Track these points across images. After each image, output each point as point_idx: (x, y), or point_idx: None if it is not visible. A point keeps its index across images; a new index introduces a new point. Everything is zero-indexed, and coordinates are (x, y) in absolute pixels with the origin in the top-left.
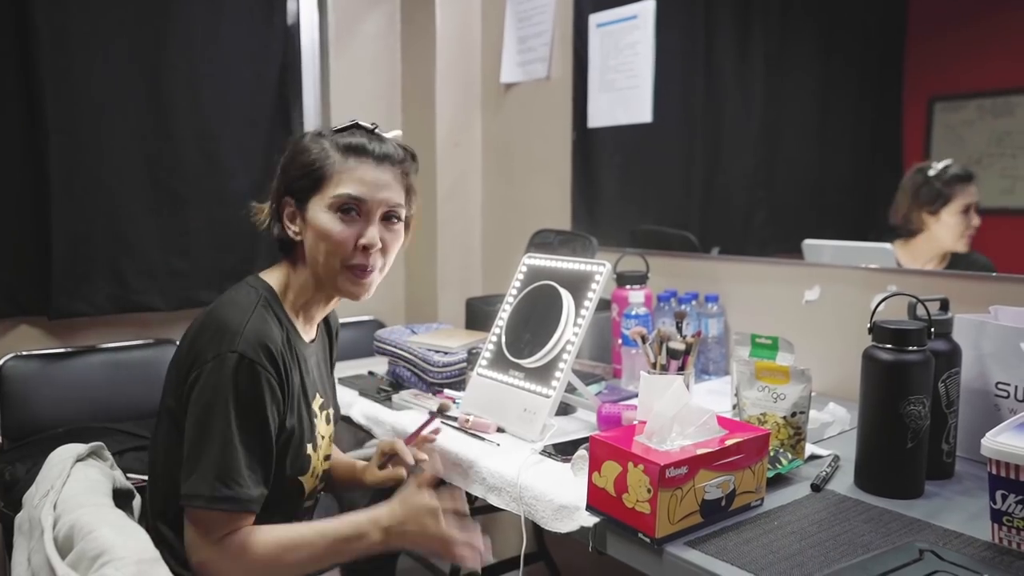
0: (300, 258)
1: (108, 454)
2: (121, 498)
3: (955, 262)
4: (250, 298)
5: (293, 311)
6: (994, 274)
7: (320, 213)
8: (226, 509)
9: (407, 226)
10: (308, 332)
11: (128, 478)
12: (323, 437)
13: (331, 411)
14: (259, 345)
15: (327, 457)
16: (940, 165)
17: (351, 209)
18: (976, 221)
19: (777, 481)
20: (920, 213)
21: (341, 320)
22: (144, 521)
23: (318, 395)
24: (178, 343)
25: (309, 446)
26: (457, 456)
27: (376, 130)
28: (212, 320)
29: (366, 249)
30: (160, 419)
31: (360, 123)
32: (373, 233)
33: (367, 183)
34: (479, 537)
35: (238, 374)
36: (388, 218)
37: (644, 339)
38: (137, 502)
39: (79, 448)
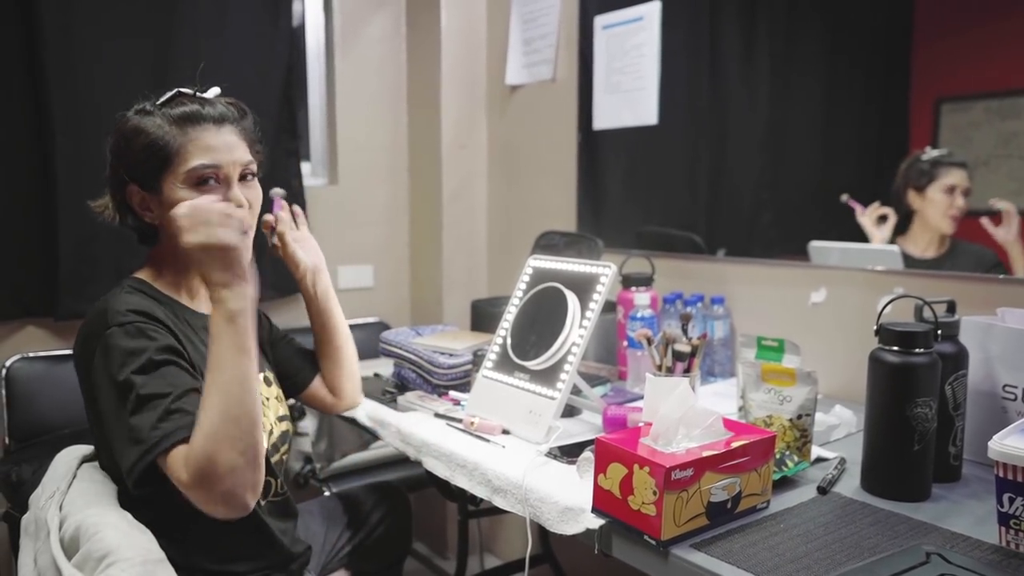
0: (166, 241)
1: None
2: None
3: (954, 249)
4: (112, 291)
5: (171, 290)
6: (1001, 276)
7: (178, 191)
8: (171, 443)
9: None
10: (200, 305)
11: None
12: (267, 398)
13: (268, 373)
14: (131, 311)
15: (281, 418)
16: (935, 152)
17: (208, 179)
18: (960, 202)
19: (783, 483)
20: (909, 191)
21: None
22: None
23: None
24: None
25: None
26: (463, 458)
27: (199, 93)
28: (85, 323)
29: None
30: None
31: (182, 90)
32: (238, 194)
33: (216, 148)
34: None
35: (123, 339)
36: (244, 177)
37: (650, 341)
38: None
39: (85, 449)
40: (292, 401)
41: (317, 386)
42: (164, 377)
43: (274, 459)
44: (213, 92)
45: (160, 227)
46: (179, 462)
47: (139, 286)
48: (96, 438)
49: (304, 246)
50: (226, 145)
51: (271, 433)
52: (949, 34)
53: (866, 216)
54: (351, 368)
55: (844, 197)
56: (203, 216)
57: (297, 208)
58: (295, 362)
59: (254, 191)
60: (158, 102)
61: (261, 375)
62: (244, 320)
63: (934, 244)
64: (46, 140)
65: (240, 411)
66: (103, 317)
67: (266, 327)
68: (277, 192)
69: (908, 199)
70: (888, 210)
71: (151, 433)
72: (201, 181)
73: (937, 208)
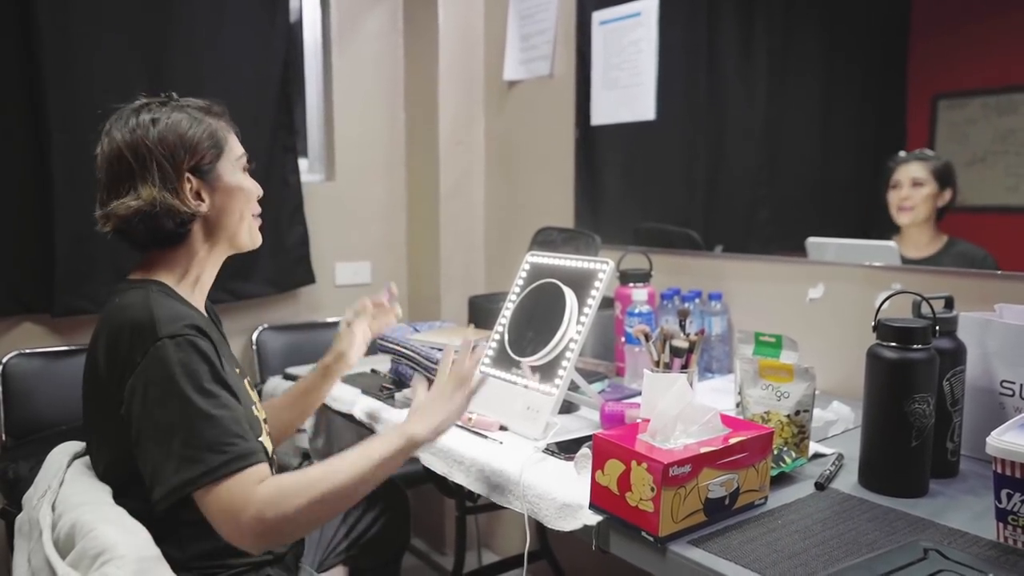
0: (196, 233)
1: None
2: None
3: (948, 248)
4: (140, 293)
5: (186, 289)
6: (999, 272)
7: (235, 174)
8: (237, 468)
9: None
10: (196, 299)
11: None
12: (255, 403)
13: (248, 380)
14: (179, 322)
15: (264, 420)
16: (904, 153)
17: (245, 167)
18: (907, 194)
19: (781, 480)
20: (885, 193)
21: (341, 318)
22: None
23: (235, 367)
24: (86, 362)
25: (253, 407)
26: (460, 454)
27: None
28: (118, 326)
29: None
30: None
31: (173, 95)
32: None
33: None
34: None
35: (177, 354)
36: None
37: (647, 337)
38: None
39: (76, 446)
40: None
41: None
42: (218, 398)
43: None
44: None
45: (197, 218)
46: (234, 495)
47: (162, 290)
48: (95, 437)
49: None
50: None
51: (269, 437)
52: (946, 30)
53: None
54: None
55: None
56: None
57: (396, 308)
58: None
59: None
60: (177, 103)
61: (245, 379)
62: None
63: (929, 244)
64: (43, 138)
65: (345, 505)
66: (146, 327)
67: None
68: (390, 288)
69: (887, 200)
70: None
71: (211, 456)
72: (245, 167)
73: (891, 205)
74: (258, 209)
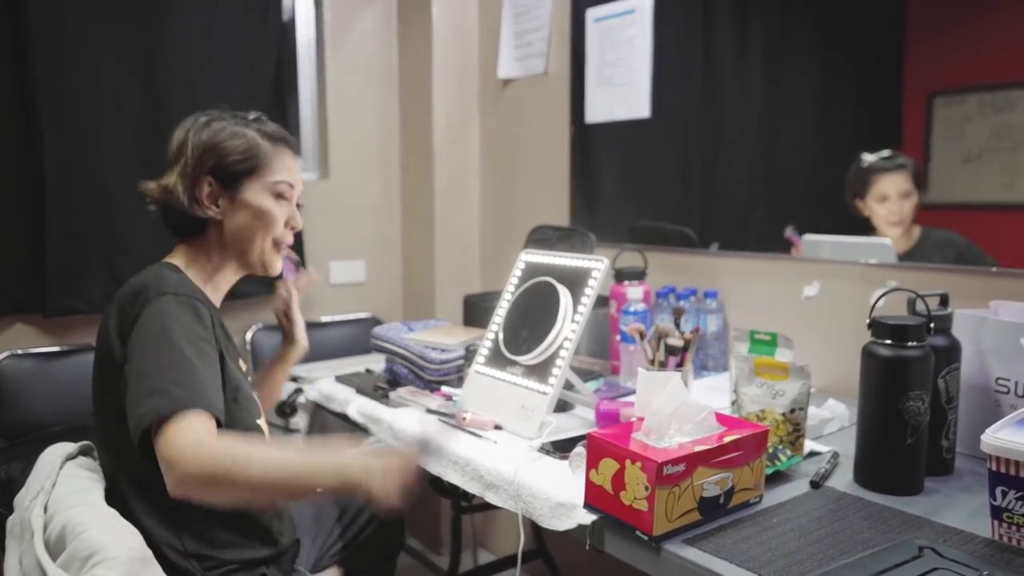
0: (209, 238)
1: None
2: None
3: (925, 238)
4: (153, 268)
5: (199, 280)
6: (994, 269)
7: (260, 196)
8: (188, 406)
9: None
10: (217, 299)
11: None
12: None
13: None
14: (184, 288)
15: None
16: (874, 156)
17: (284, 195)
18: (898, 207)
19: (776, 478)
20: (855, 200)
21: (336, 317)
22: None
23: (241, 360)
24: (96, 343)
25: (254, 393)
26: (454, 453)
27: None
28: (127, 291)
29: (292, 229)
30: (97, 428)
31: (262, 116)
32: (296, 213)
33: (293, 170)
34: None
35: (176, 307)
36: (297, 204)
37: (642, 335)
38: None
39: (68, 447)
40: (287, 397)
41: None
42: (204, 354)
43: None
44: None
45: (212, 221)
46: (189, 434)
47: (173, 269)
48: (102, 431)
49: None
50: (297, 171)
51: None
52: (942, 28)
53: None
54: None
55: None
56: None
57: (311, 273)
58: None
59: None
60: (249, 118)
61: (249, 377)
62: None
63: (902, 239)
64: (34, 136)
65: (274, 495)
66: (153, 287)
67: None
68: (291, 256)
69: (856, 207)
70: None
71: (176, 391)
72: (279, 194)
73: (878, 216)
74: (285, 239)
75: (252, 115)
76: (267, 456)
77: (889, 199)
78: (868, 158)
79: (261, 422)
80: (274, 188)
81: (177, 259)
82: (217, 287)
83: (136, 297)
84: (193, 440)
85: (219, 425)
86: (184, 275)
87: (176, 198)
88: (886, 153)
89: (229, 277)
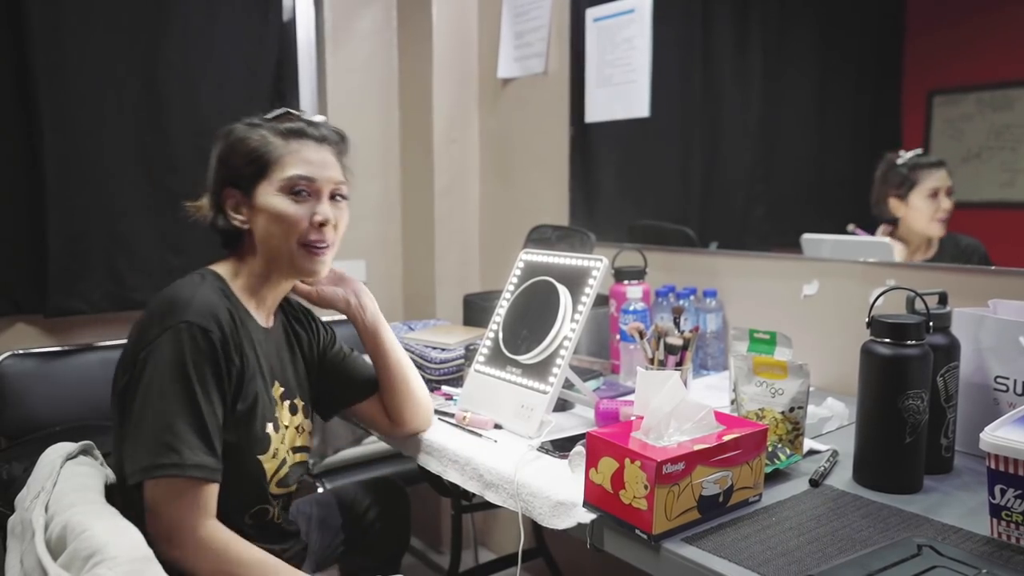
0: (248, 248)
1: (98, 452)
2: (113, 496)
3: (943, 246)
4: (195, 279)
5: (243, 294)
6: (993, 267)
7: (271, 197)
8: (172, 474)
9: None
10: (263, 318)
11: None
12: (287, 426)
13: (298, 401)
14: (208, 314)
15: (298, 449)
16: (909, 154)
17: (301, 190)
18: (947, 204)
19: (775, 477)
20: (889, 198)
21: (336, 317)
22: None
23: (278, 383)
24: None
25: (269, 425)
26: (455, 453)
27: (305, 115)
28: (158, 302)
29: (321, 226)
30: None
31: (291, 110)
32: (326, 209)
33: (313, 163)
34: None
35: (188, 342)
36: (334, 196)
37: (642, 335)
38: None
39: (69, 447)
40: None
41: (368, 408)
42: (206, 404)
43: (278, 490)
44: (319, 118)
45: (248, 231)
46: (163, 496)
47: (216, 282)
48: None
49: (330, 279)
50: (323, 161)
51: (283, 464)
52: (941, 27)
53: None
54: (410, 398)
55: (850, 227)
56: None
57: None
58: (342, 379)
59: (342, 212)
60: (266, 117)
61: (287, 401)
62: None
63: (922, 248)
64: (35, 137)
65: None
66: (179, 306)
67: (320, 345)
68: None
69: (890, 208)
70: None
71: (170, 455)
72: (294, 191)
73: (923, 214)
74: (311, 236)
75: (273, 113)
76: (264, 567)
77: (939, 195)
78: (905, 156)
79: (264, 459)
80: (286, 186)
81: (223, 268)
82: (263, 299)
83: (162, 309)
84: (179, 518)
85: (215, 479)
86: (213, 288)
87: (212, 215)
88: (918, 151)
89: (275, 285)
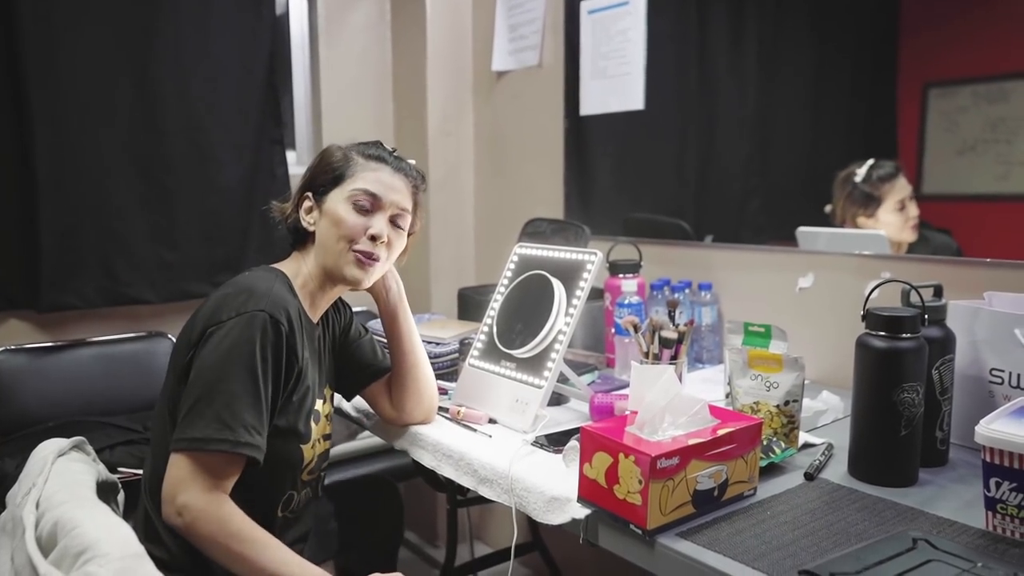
0: (309, 250)
1: (90, 448)
2: (105, 492)
3: (914, 249)
4: (270, 274)
5: (301, 291)
6: (988, 260)
7: (337, 204)
8: (223, 450)
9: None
10: (315, 316)
11: (119, 472)
12: (323, 416)
13: (327, 391)
14: (283, 309)
15: (326, 437)
16: (863, 169)
17: (365, 204)
18: (915, 211)
19: (770, 470)
20: (857, 218)
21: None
22: (132, 518)
23: (319, 376)
24: (185, 325)
25: (312, 417)
26: (449, 447)
27: (395, 152)
28: (235, 287)
29: (373, 239)
30: (158, 417)
31: (382, 143)
32: (381, 225)
33: (382, 183)
34: None
35: (263, 331)
36: (395, 220)
37: (637, 328)
38: (121, 496)
39: (61, 443)
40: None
41: (375, 389)
42: (265, 392)
43: (307, 477)
44: (407, 159)
45: (311, 234)
46: (208, 468)
47: (286, 280)
48: (161, 422)
49: None
50: (392, 185)
51: (315, 453)
52: (936, 19)
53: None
54: (415, 387)
55: (828, 207)
56: None
57: None
58: (358, 362)
59: (399, 237)
60: (359, 142)
61: (323, 391)
62: None
63: (896, 248)
64: (26, 133)
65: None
66: (258, 294)
67: (341, 325)
68: None
69: (859, 227)
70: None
71: (226, 431)
72: (358, 203)
73: (894, 227)
74: (365, 247)
75: (366, 140)
76: (265, 546)
77: (906, 204)
78: (861, 172)
79: (306, 448)
80: (351, 196)
81: (287, 266)
82: (316, 301)
83: (237, 296)
84: (196, 485)
85: (255, 463)
86: (278, 282)
87: (288, 213)
88: (871, 162)
89: (327, 288)
